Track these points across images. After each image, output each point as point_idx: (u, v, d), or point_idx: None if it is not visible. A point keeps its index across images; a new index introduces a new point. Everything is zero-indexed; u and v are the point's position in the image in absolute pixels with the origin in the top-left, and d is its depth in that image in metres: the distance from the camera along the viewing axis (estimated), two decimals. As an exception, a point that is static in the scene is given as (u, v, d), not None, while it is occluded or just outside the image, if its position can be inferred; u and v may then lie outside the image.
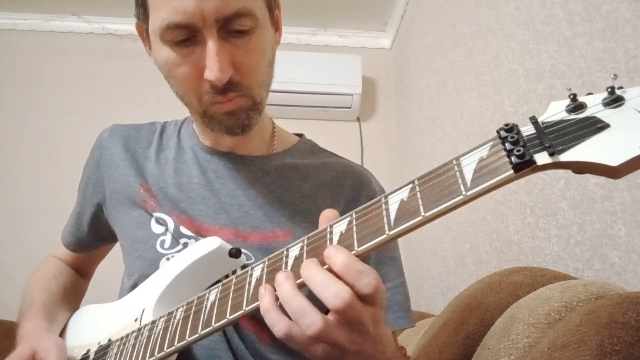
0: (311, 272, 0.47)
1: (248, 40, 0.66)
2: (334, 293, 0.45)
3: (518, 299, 0.80)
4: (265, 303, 0.49)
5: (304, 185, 0.78)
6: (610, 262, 0.89)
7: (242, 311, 0.53)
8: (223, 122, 0.70)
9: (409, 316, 0.76)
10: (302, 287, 0.49)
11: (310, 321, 0.45)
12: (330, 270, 0.46)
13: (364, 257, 0.48)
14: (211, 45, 0.63)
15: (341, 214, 0.52)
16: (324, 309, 0.47)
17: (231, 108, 0.69)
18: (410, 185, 0.47)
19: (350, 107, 2.45)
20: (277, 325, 0.47)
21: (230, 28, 0.64)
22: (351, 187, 0.79)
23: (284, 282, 0.48)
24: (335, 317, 0.46)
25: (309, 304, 0.46)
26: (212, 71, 0.63)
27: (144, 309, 0.69)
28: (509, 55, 1.32)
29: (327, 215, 0.53)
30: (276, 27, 0.76)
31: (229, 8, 0.62)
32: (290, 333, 0.46)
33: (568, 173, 1.01)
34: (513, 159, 0.40)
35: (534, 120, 0.42)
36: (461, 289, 1.04)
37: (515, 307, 0.77)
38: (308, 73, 2.37)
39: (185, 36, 0.64)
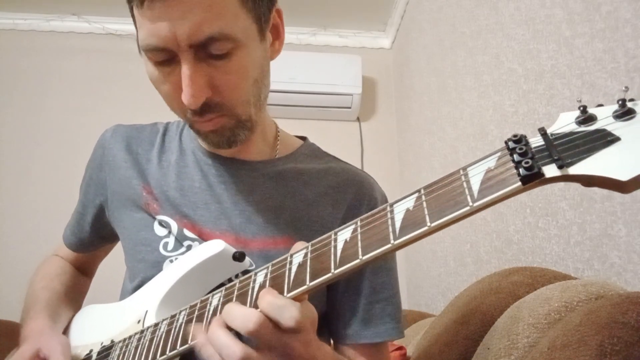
0: (227, 309, 0.52)
1: (227, 62, 0.63)
2: (244, 318, 0.49)
3: (518, 299, 0.80)
4: (200, 339, 0.53)
5: (306, 191, 0.78)
6: (610, 262, 0.89)
7: None
8: (208, 138, 0.71)
9: (400, 327, 0.77)
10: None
11: (230, 352, 0.49)
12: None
13: (365, 265, 0.49)
14: (185, 70, 0.61)
15: (341, 221, 0.52)
16: None
17: (213, 127, 0.68)
18: (417, 195, 0.46)
19: (350, 107, 2.45)
20: (212, 358, 0.51)
21: (207, 51, 0.62)
22: (353, 195, 0.78)
23: (212, 324, 0.53)
24: (254, 343, 0.50)
25: (231, 338, 0.50)
26: (185, 96, 0.62)
27: (146, 311, 0.69)
28: (509, 55, 1.32)
29: (295, 247, 0.56)
30: (275, 35, 0.73)
31: (202, 34, 0.59)
32: None
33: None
34: (521, 170, 0.39)
35: (543, 132, 0.41)
36: (461, 289, 1.05)
37: (515, 307, 0.77)
38: (308, 73, 2.37)
39: (165, 57, 0.63)
